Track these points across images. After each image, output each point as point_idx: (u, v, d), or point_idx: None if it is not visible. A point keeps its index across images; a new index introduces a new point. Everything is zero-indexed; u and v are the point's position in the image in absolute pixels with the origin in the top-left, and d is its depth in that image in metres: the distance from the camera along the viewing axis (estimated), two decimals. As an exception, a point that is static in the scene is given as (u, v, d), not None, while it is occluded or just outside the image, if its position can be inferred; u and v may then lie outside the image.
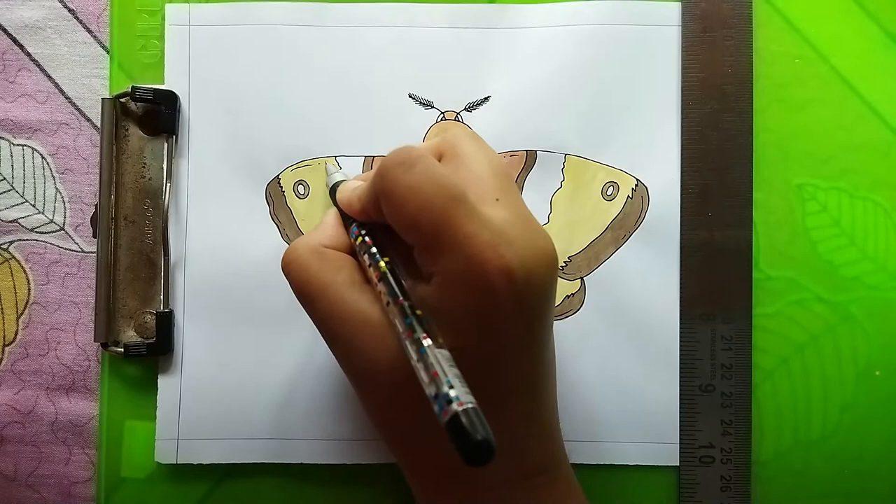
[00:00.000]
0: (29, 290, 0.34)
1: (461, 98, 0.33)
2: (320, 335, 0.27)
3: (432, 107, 0.33)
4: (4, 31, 0.34)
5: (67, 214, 0.34)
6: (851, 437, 0.33)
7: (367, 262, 0.26)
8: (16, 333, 0.34)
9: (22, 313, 0.34)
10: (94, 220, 0.34)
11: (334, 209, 0.29)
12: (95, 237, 0.33)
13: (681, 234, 0.33)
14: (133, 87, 0.33)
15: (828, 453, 0.33)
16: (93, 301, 0.33)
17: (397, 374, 0.24)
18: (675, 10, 0.34)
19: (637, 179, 0.33)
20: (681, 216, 0.33)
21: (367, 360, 0.25)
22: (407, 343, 0.23)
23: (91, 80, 0.34)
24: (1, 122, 0.34)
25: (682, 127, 0.33)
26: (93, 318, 0.33)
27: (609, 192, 0.33)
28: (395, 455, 0.28)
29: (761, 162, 0.33)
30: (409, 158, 0.24)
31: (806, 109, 0.34)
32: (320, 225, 0.29)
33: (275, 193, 0.33)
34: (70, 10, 0.34)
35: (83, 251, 0.34)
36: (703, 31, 0.33)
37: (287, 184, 0.33)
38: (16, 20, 0.34)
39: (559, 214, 0.33)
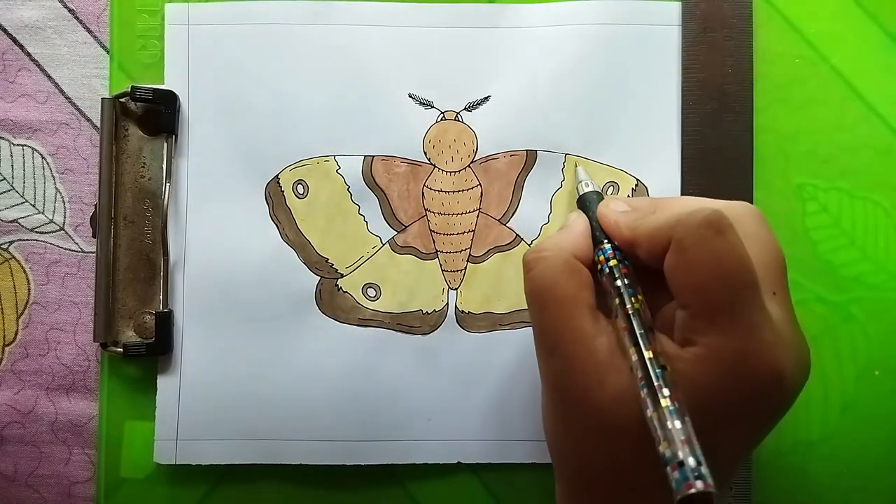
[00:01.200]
0: (29, 290, 0.34)
1: (461, 98, 0.33)
2: (535, 340, 0.26)
3: (432, 106, 0.33)
4: (4, 31, 0.34)
5: (67, 214, 0.34)
6: (851, 438, 0.33)
7: (614, 292, 0.26)
8: (16, 333, 0.34)
9: (22, 313, 0.34)
10: (94, 220, 0.34)
11: (584, 217, 0.29)
12: (95, 237, 0.33)
13: None
14: (133, 86, 0.33)
15: (828, 453, 0.33)
16: (92, 301, 0.33)
17: (618, 414, 0.24)
18: (675, 9, 0.34)
19: (637, 179, 0.33)
20: None
21: (582, 389, 0.24)
22: (646, 394, 0.22)
23: (91, 80, 0.34)
24: (1, 122, 0.34)
25: (682, 127, 0.33)
26: (92, 318, 0.33)
27: (609, 192, 0.33)
28: (560, 467, 0.27)
29: (761, 162, 0.33)
30: (720, 224, 0.23)
31: (806, 109, 0.34)
32: (568, 230, 0.28)
33: (274, 193, 0.33)
34: (70, 10, 0.34)
35: (83, 251, 0.34)
36: (704, 31, 0.33)
37: (286, 183, 0.33)
38: (16, 20, 0.34)
39: (559, 214, 0.33)
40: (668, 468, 0.21)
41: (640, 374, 0.23)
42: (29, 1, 0.34)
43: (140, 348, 0.32)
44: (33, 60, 0.34)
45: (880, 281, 0.34)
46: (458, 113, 0.33)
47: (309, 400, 0.33)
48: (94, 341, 0.33)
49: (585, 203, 0.30)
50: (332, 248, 0.33)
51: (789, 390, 0.24)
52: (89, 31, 0.34)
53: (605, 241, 0.27)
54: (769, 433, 0.25)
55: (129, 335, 0.33)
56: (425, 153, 0.33)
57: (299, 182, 0.33)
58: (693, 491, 0.20)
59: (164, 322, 0.33)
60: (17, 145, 0.34)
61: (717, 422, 0.23)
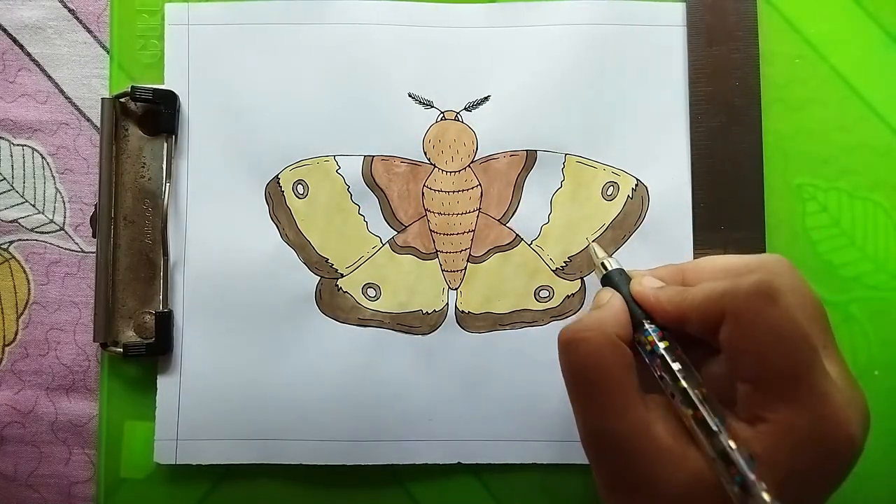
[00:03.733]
0: (29, 290, 0.34)
1: (461, 98, 0.33)
2: (580, 424, 0.25)
3: (432, 106, 0.33)
4: (4, 31, 0.34)
5: (67, 214, 0.34)
6: (851, 438, 0.33)
7: (669, 377, 0.25)
8: (16, 333, 0.34)
9: (22, 313, 0.34)
10: (94, 220, 0.34)
11: (618, 296, 0.28)
12: (95, 237, 0.33)
13: (694, 251, 0.33)
14: (133, 86, 0.33)
15: (828, 453, 0.33)
16: (92, 301, 0.33)
17: (693, 499, 0.23)
18: (677, 10, 0.33)
19: (637, 179, 0.33)
20: (693, 232, 0.33)
21: (650, 480, 0.24)
22: (739, 491, 0.22)
23: (91, 80, 0.34)
24: (1, 122, 0.34)
25: (690, 141, 0.33)
26: (92, 318, 0.33)
27: (609, 193, 0.33)
28: None
29: (761, 162, 0.33)
30: (772, 292, 0.23)
31: (806, 109, 0.34)
32: (606, 309, 0.27)
33: (274, 193, 0.33)
34: (70, 10, 0.34)
35: (83, 251, 0.34)
36: (709, 44, 0.33)
37: (286, 183, 0.33)
38: (16, 20, 0.34)
39: (559, 214, 0.33)
40: None
41: (730, 469, 0.23)
42: (29, 1, 0.34)
43: (140, 348, 0.32)
44: (33, 60, 0.34)
45: (880, 281, 0.34)
46: (458, 113, 0.33)
47: (309, 400, 0.33)
48: (94, 341, 0.33)
49: (612, 281, 0.29)
50: (332, 248, 0.33)
51: (861, 445, 0.24)
52: (89, 31, 0.34)
53: (647, 320, 0.27)
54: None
55: (129, 335, 0.33)
56: (425, 153, 0.33)
57: (299, 182, 0.33)
58: None
59: (164, 322, 0.33)
60: (17, 145, 0.34)
61: (796, 493, 0.23)
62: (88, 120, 0.34)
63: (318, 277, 0.33)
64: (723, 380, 0.25)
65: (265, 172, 0.33)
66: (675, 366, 0.25)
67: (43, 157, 0.34)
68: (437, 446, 0.33)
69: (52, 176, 0.34)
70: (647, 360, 0.26)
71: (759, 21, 0.33)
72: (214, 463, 0.32)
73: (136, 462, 0.33)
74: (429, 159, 0.33)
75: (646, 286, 0.27)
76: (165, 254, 0.33)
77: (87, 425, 0.33)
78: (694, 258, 0.33)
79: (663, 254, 0.33)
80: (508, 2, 0.34)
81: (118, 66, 0.34)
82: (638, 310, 0.27)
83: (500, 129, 0.33)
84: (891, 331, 0.33)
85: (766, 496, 0.22)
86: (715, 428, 0.23)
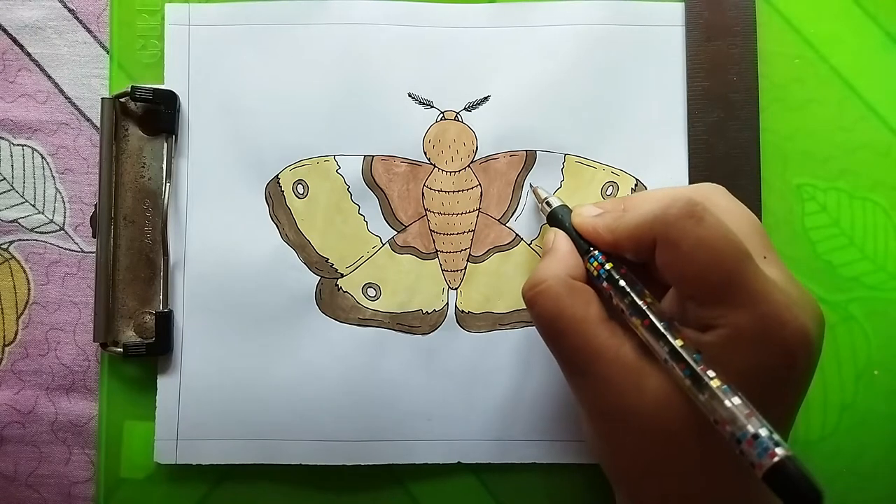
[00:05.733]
0: (29, 290, 0.34)
1: (461, 98, 0.33)
2: (562, 369, 0.27)
3: (432, 106, 0.33)
4: (4, 31, 0.34)
5: (67, 214, 0.34)
6: (851, 438, 0.33)
7: (619, 294, 0.26)
8: (16, 333, 0.34)
9: (22, 313, 0.34)
10: (94, 220, 0.34)
11: (562, 234, 0.29)
12: (95, 237, 0.33)
13: None
14: (133, 86, 0.33)
15: (827, 453, 0.33)
16: (92, 301, 0.33)
17: (662, 416, 0.24)
18: (677, 10, 0.34)
19: (637, 179, 0.33)
20: None
21: (626, 401, 0.24)
22: (690, 383, 0.23)
23: (91, 80, 0.34)
24: (1, 122, 0.34)
25: (688, 136, 0.33)
26: (92, 318, 0.33)
27: (609, 192, 0.33)
28: (618, 481, 0.27)
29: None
30: (697, 211, 0.24)
31: (806, 109, 0.34)
32: (554, 252, 0.28)
33: (274, 193, 0.33)
34: (70, 10, 0.34)
35: (83, 251, 0.34)
36: (707, 39, 0.33)
37: (286, 183, 0.33)
38: (16, 20, 0.34)
39: (559, 214, 0.33)
40: (743, 444, 0.21)
41: (679, 365, 0.23)
42: (29, 1, 0.34)
43: (140, 348, 0.32)
44: (33, 60, 0.34)
45: (879, 281, 0.34)
46: (457, 113, 0.33)
47: (309, 400, 0.33)
48: (94, 341, 0.33)
49: (557, 218, 0.30)
50: (332, 248, 0.33)
51: (815, 342, 0.24)
52: (89, 31, 0.34)
53: (592, 247, 0.28)
54: (806, 392, 0.25)
55: (129, 335, 0.33)
56: (425, 153, 0.33)
57: (299, 182, 0.33)
58: (778, 458, 0.20)
59: (164, 322, 0.33)
60: (17, 145, 0.34)
61: (759, 395, 0.23)
62: (88, 120, 0.34)
63: (318, 277, 0.33)
64: (679, 308, 0.26)
65: (265, 172, 0.33)
66: (621, 282, 0.26)
67: (43, 157, 0.34)
68: (436, 446, 0.33)
69: (52, 176, 0.34)
70: (598, 285, 0.27)
71: (759, 21, 0.33)
72: (214, 463, 0.33)
73: (136, 462, 0.33)
74: (429, 159, 0.33)
75: (584, 215, 0.28)
76: (165, 254, 0.33)
77: (87, 425, 0.33)
78: None
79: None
80: (508, 2, 0.34)
81: (118, 66, 0.34)
82: (581, 240, 0.28)
83: (499, 129, 0.33)
84: (890, 331, 0.33)
85: (715, 381, 0.22)
86: (662, 330, 0.24)
